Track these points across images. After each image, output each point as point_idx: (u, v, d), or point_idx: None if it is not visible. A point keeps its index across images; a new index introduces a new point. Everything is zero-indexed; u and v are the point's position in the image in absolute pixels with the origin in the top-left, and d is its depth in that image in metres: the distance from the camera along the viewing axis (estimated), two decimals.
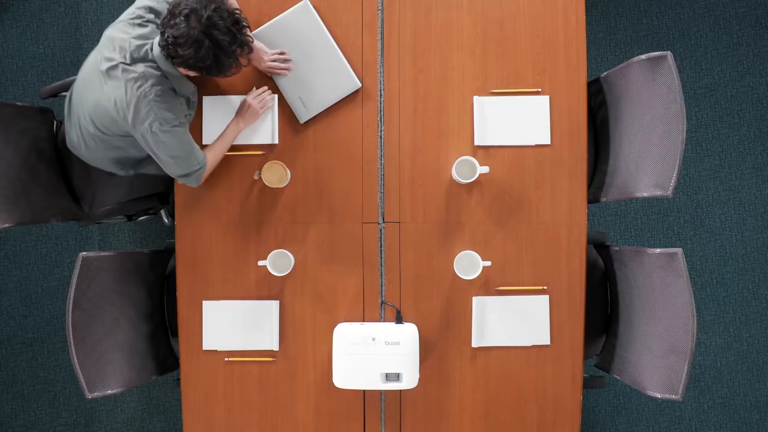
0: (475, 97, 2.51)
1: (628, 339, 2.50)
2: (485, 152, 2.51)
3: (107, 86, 2.24)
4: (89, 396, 2.29)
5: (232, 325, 2.49)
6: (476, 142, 2.50)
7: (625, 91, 2.49)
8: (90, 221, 2.72)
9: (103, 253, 2.37)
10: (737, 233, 3.35)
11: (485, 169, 2.41)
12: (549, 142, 2.50)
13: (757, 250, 3.35)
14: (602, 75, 2.60)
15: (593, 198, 2.60)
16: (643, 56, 2.38)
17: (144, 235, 3.39)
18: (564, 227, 2.50)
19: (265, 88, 2.47)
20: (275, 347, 2.48)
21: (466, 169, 2.41)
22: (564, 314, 2.49)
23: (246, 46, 2.15)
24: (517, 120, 2.50)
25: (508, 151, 2.50)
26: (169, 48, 2.08)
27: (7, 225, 2.39)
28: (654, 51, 3.30)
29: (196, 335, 2.50)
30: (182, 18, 2.05)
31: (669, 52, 2.32)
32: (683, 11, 3.40)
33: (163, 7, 2.26)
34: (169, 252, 2.72)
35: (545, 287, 2.49)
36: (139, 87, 2.19)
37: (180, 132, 2.25)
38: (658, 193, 2.30)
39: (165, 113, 2.21)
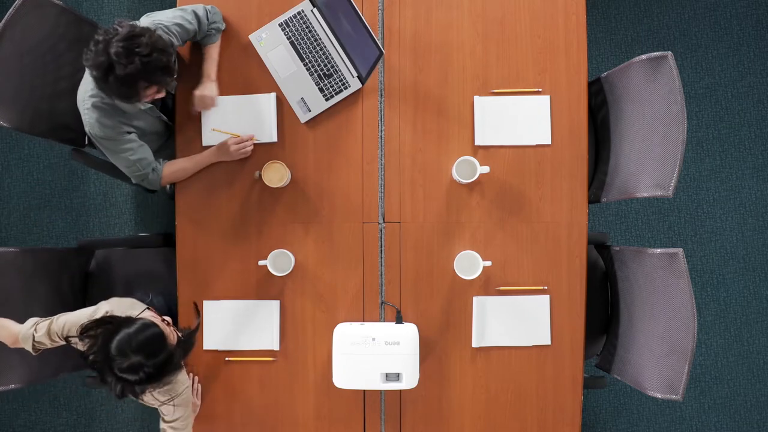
0: (476, 97, 2.51)
1: (629, 339, 2.50)
2: (485, 152, 2.51)
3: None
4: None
5: (232, 325, 2.49)
6: (476, 142, 2.50)
7: (625, 91, 2.49)
8: (85, 160, 2.62)
9: (10, 250, 2.34)
10: (738, 233, 3.35)
11: (485, 169, 2.40)
12: (549, 142, 2.50)
13: (757, 250, 3.34)
14: (603, 75, 2.59)
15: (594, 198, 2.60)
16: (644, 56, 2.38)
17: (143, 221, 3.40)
18: (564, 227, 2.50)
19: (250, 138, 2.45)
20: (275, 347, 2.48)
21: (467, 169, 2.41)
22: (564, 314, 2.48)
23: (150, 74, 2.09)
24: (518, 120, 2.50)
25: (509, 151, 2.50)
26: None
27: (8, 125, 2.34)
28: (654, 51, 3.30)
29: (197, 335, 2.50)
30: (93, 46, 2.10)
31: (669, 52, 2.32)
32: (683, 11, 3.40)
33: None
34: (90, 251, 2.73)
35: (545, 287, 2.48)
36: (85, 90, 2.29)
37: (113, 145, 2.32)
38: (659, 193, 2.30)
39: (93, 122, 2.27)
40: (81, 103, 2.30)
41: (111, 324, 2.02)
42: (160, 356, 1.96)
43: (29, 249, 2.43)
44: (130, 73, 2.05)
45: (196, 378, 2.46)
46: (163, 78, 2.12)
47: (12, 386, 2.25)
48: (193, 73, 2.52)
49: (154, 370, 1.95)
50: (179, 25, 2.34)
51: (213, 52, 2.47)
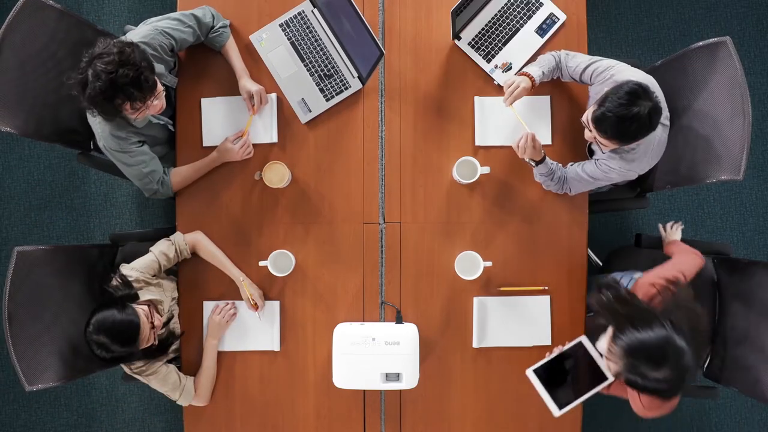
0: (476, 98, 2.51)
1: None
2: (486, 152, 2.51)
3: None
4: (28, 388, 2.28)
5: (232, 325, 2.49)
6: (477, 142, 2.50)
7: (686, 80, 2.44)
8: (91, 162, 2.63)
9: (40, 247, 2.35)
10: (738, 233, 3.35)
11: (486, 170, 2.41)
12: (550, 142, 2.50)
13: (757, 250, 3.34)
14: (657, 64, 2.54)
15: (659, 185, 2.54)
16: (700, 43, 2.34)
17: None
18: (565, 227, 2.50)
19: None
20: (276, 347, 2.48)
21: (467, 170, 2.41)
22: (565, 314, 2.48)
23: (130, 94, 2.08)
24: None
25: (509, 151, 2.50)
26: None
27: (14, 132, 2.35)
28: (654, 51, 3.31)
29: (197, 335, 2.50)
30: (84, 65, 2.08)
31: (728, 37, 2.30)
32: (684, 11, 3.40)
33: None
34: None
35: (546, 287, 2.49)
36: None
37: (126, 158, 2.33)
38: (729, 177, 2.29)
39: (107, 135, 2.27)
40: (91, 116, 2.28)
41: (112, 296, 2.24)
42: (125, 348, 2.16)
43: (60, 246, 2.44)
44: (99, 91, 2.04)
45: (255, 293, 2.46)
46: (133, 93, 2.07)
47: (51, 384, 2.32)
48: (191, 74, 2.52)
49: (112, 356, 2.16)
50: (178, 29, 2.34)
51: (232, 50, 2.49)
